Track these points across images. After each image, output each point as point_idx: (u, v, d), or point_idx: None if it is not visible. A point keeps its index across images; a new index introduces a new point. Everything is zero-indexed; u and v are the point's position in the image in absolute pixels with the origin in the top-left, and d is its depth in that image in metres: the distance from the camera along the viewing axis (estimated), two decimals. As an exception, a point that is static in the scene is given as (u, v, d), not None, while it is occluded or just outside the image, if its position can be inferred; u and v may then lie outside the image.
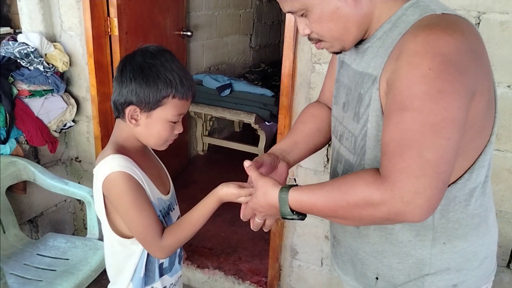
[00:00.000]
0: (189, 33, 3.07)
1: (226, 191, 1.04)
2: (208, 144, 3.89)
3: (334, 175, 1.08)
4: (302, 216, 0.91)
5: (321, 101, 1.23)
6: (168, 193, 1.22)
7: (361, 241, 0.99)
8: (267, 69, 4.35)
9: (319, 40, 0.92)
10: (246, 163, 0.99)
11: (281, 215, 0.91)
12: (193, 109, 3.47)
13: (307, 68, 1.79)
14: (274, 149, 1.15)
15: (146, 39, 2.56)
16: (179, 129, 1.11)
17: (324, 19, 0.86)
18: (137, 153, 1.13)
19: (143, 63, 1.02)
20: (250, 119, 3.33)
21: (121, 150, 1.08)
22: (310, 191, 0.86)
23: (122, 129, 1.11)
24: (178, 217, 1.24)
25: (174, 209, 1.23)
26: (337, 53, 0.95)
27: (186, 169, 3.52)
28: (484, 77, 0.80)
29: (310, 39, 0.93)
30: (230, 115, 3.42)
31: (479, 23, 1.46)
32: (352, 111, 0.94)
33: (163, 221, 1.14)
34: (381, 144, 0.79)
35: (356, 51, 0.94)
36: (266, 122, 3.43)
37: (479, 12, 1.45)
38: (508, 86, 1.49)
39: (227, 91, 3.39)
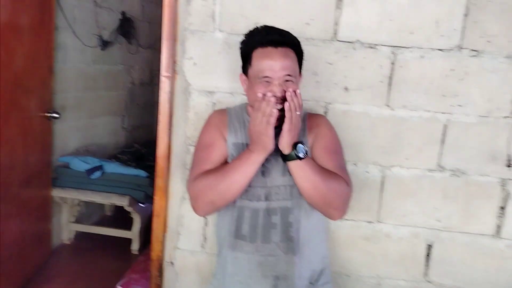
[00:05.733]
0: (55, 115, 2.94)
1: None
2: (76, 231, 3.58)
3: (266, 229, 1.39)
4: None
5: None
6: None
7: None
8: (140, 149, 4.31)
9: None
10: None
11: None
12: (58, 194, 3.22)
13: (182, 150, 1.86)
14: None
15: (6, 122, 2.38)
16: None
17: (297, 80, 1.41)
18: None
19: None
20: (123, 202, 3.22)
21: None
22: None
23: None
24: None
25: None
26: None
27: (49, 261, 3.15)
28: None
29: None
30: (101, 199, 3.26)
31: (327, 112, 1.73)
32: (279, 170, 1.38)
33: None
34: (328, 166, 1.40)
35: None
36: (140, 204, 3.34)
37: (326, 102, 1.73)
38: (355, 164, 1.75)
39: (98, 173, 3.26)
